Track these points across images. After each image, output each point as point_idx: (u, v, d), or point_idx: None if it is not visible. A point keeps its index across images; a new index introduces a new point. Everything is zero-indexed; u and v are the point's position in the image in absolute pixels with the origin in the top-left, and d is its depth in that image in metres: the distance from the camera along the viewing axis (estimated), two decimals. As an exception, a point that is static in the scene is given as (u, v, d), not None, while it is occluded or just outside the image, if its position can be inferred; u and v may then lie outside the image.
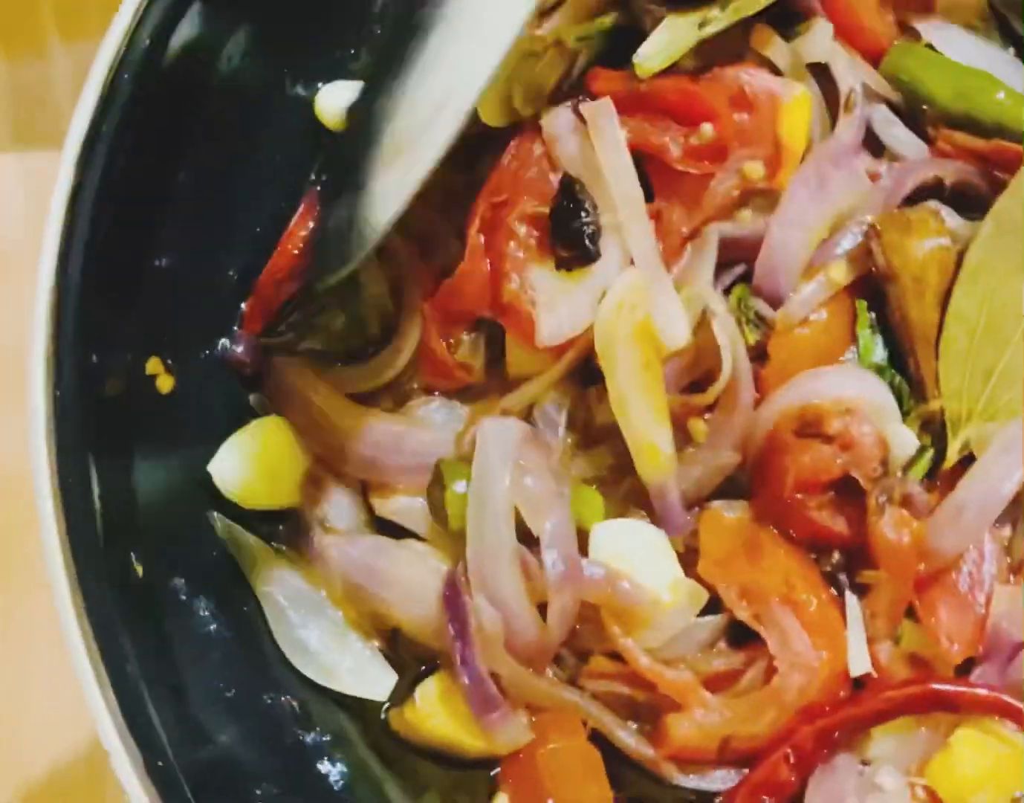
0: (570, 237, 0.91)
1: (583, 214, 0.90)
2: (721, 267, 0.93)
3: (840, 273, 0.92)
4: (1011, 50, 1.00)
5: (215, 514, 0.94)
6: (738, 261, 0.94)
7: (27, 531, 1.12)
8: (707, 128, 0.90)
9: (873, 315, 0.94)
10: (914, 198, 0.95)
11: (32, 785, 1.11)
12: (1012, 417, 0.90)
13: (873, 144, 0.97)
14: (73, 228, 0.81)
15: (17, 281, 1.22)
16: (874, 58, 0.97)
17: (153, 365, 0.90)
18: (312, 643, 0.95)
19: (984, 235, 0.91)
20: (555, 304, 0.91)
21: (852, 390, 0.90)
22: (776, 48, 0.94)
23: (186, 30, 0.86)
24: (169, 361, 0.91)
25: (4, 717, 1.12)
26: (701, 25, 0.91)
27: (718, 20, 0.91)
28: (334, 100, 1.00)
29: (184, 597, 0.90)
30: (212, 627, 0.91)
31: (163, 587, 0.87)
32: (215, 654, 0.91)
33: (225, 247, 0.97)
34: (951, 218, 0.94)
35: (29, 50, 1.31)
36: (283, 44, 0.97)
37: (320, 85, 1.01)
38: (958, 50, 0.97)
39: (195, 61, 0.88)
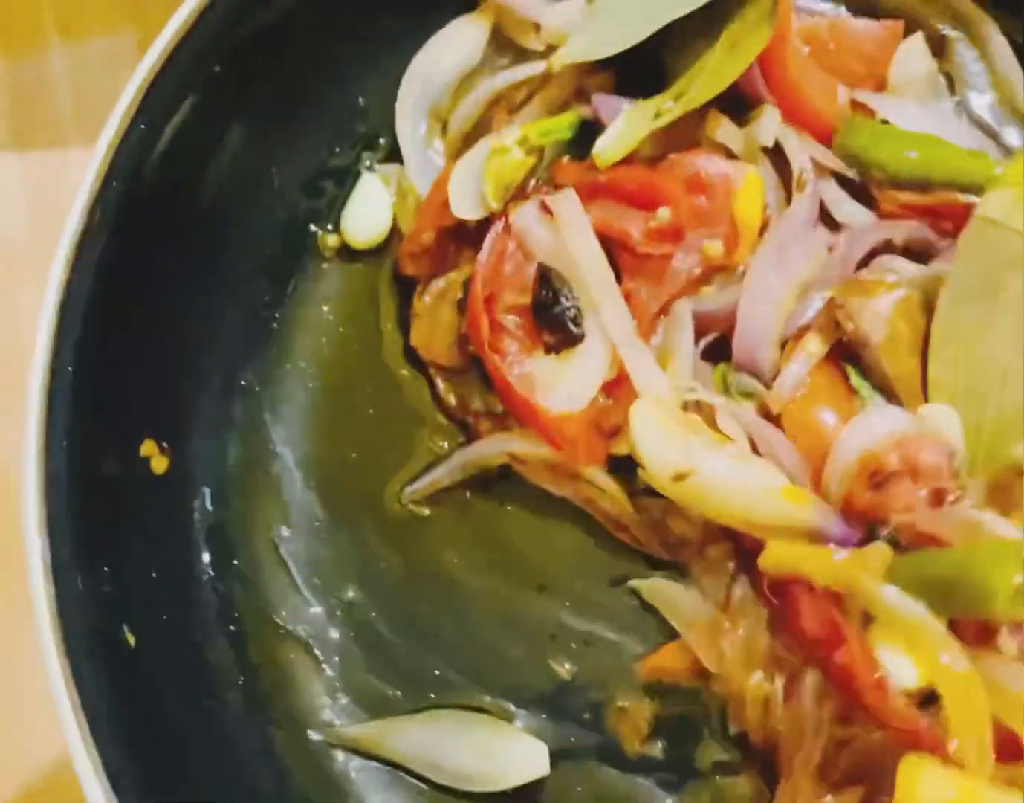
0: (553, 322, 0.97)
1: (563, 299, 0.97)
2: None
3: (816, 346, 0.97)
4: (964, 117, 1.04)
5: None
6: (707, 333, 0.99)
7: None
8: (664, 212, 0.97)
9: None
10: (867, 261, 0.99)
11: (31, 786, 1.15)
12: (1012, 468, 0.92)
13: (830, 219, 1.01)
14: (65, 320, 0.85)
15: (16, 281, 1.27)
16: (826, 136, 1.01)
17: (147, 447, 0.94)
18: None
19: (943, 305, 0.94)
20: (552, 387, 0.98)
21: (886, 426, 0.92)
22: (728, 133, 1.00)
23: (177, 130, 0.92)
24: (163, 443, 0.95)
25: (3, 716, 1.16)
26: (656, 116, 0.97)
27: (671, 110, 0.97)
28: (361, 224, 1.09)
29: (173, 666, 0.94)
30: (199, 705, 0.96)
31: (155, 658, 0.92)
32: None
33: (213, 334, 1.02)
34: (905, 266, 0.97)
35: (29, 50, 1.33)
36: (269, 143, 1.02)
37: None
38: (912, 121, 1.01)
39: (184, 159, 0.93)
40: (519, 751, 0.99)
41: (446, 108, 1.07)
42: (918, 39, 1.04)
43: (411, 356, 1.08)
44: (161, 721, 0.90)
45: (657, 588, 1.01)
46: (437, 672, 1.02)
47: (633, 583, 1.02)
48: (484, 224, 1.01)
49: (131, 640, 0.89)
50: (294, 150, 1.05)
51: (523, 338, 0.99)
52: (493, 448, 1.03)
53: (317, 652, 1.03)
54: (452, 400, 1.06)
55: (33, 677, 1.14)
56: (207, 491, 1.02)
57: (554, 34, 1.04)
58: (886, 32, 1.03)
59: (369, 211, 1.08)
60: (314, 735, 1.01)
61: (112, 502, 0.90)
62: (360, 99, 1.09)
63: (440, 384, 1.06)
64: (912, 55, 1.03)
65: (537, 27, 1.04)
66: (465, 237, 1.04)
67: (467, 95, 1.06)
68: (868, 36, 1.03)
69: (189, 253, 0.97)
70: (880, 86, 1.03)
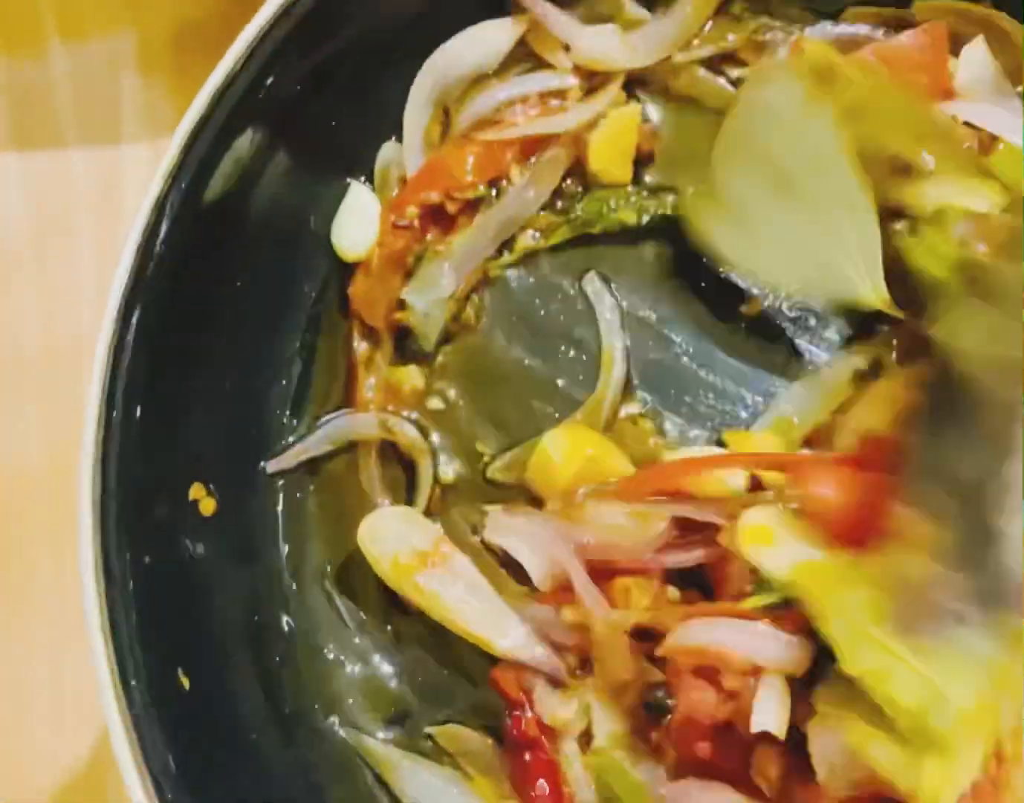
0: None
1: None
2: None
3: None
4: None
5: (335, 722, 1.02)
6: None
7: (27, 536, 1.19)
8: None
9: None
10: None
11: (33, 791, 1.16)
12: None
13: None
14: (117, 367, 0.86)
15: (17, 282, 1.27)
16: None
17: (195, 490, 0.95)
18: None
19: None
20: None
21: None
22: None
23: (224, 170, 0.92)
24: (211, 486, 0.96)
25: (4, 721, 1.18)
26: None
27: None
28: (350, 235, 1.07)
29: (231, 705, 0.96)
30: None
31: (210, 699, 0.93)
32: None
33: (260, 376, 1.03)
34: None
35: (29, 50, 1.33)
36: (309, 182, 1.03)
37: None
38: (992, 121, 1.01)
39: (231, 197, 0.94)
40: None
41: (454, 102, 1.08)
42: (980, 43, 1.03)
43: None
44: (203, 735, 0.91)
45: None
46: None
47: None
48: (463, 210, 1.05)
49: (186, 684, 0.90)
50: (331, 190, 1.06)
51: None
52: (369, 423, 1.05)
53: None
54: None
55: (38, 691, 1.18)
56: (255, 530, 1.03)
57: (586, 58, 1.06)
58: (929, 35, 1.02)
59: (359, 221, 1.07)
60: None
61: (162, 543, 0.92)
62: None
63: (356, 340, 1.07)
64: (976, 59, 1.03)
65: (567, 47, 1.06)
66: (442, 221, 1.06)
67: (478, 95, 1.07)
68: (914, 46, 1.02)
69: (234, 295, 0.98)
70: (947, 92, 1.02)
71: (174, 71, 1.31)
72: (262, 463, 1.02)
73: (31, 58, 1.33)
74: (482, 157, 1.04)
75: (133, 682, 0.82)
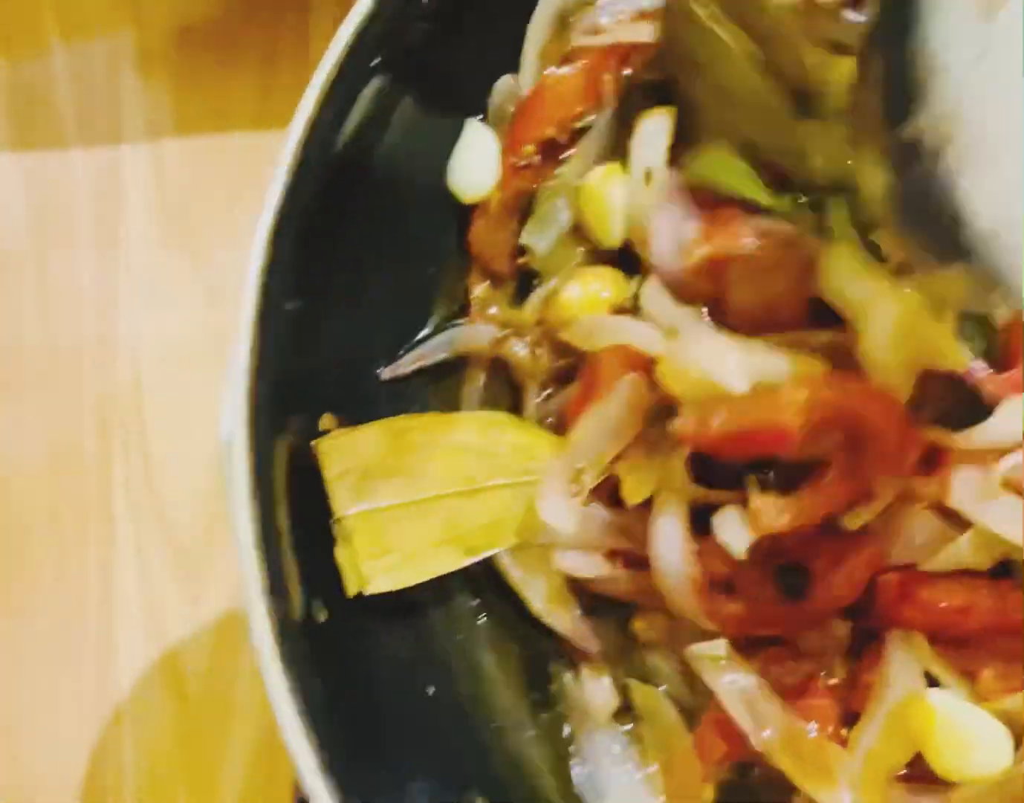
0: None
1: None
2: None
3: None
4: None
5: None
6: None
7: (27, 536, 1.19)
8: None
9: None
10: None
11: (33, 791, 1.15)
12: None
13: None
14: (267, 306, 0.85)
15: (16, 281, 1.28)
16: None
17: (326, 421, 0.95)
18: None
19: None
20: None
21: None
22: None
23: (356, 117, 0.92)
24: (340, 417, 0.96)
25: (4, 722, 1.17)
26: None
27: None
28: (467, 175, 1.03)
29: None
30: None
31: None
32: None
33: (380, 314, 1.01)
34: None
35: (29, 50, 1.34)
36: (433, 133, 1.01)
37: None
38: None
39: (363, 145, 0.94)
40: None
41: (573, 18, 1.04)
42: None
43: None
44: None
45: None
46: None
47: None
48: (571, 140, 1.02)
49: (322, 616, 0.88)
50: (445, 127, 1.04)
51: None
52: (483, 334, 1.01)
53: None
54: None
55: (39, 692, 1.18)
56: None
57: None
58: None
59: (476, 162, 1.02)
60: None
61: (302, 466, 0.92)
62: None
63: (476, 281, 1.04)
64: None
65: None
66: (551, 154, 1.02)
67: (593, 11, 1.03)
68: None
69: (364, 236, 0.97)
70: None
71: (174, 71, 1.31)
72: (377, 370, 1.01)
73: (31, 58, 1.34)
74: (585, 76, 1.00)
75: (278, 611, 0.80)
